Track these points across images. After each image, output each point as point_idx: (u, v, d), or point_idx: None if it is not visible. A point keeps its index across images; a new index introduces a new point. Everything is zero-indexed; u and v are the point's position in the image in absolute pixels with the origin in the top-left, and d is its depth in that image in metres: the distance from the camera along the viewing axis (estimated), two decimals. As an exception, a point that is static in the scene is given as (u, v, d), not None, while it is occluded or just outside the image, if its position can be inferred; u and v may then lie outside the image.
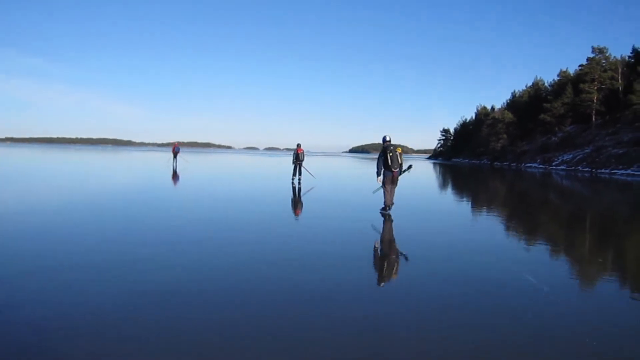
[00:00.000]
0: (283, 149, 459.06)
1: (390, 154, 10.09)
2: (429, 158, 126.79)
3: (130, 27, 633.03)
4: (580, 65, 60.17)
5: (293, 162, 19.04)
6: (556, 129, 60.72)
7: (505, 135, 72.20)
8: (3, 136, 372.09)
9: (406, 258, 6.62)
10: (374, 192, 11.52)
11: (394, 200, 10.47)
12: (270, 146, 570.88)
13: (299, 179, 18.86)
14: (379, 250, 7.24)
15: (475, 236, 8.66)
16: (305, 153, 19.28)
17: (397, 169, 10.19)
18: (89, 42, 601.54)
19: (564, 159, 51.07)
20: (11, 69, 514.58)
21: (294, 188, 17.08)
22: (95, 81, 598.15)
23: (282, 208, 11.99)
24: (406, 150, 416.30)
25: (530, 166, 55.55)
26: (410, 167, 10.80)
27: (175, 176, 22.56)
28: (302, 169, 19.18)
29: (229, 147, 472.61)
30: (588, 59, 58.74)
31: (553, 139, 58.86)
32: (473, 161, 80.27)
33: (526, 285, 5.17)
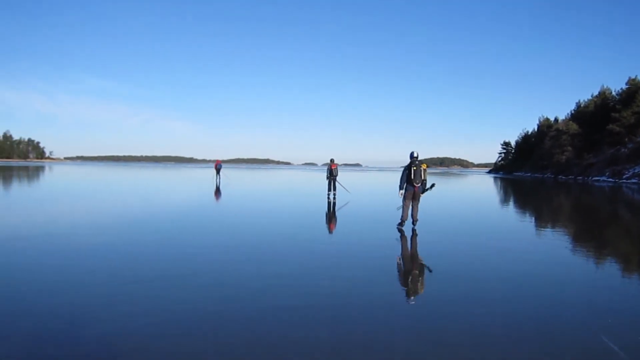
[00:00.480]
0: (342, 165, 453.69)
1: (414, 169, 10.18)
2: (489, 172, 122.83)
3: (191, 44, 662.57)
4: (652, 72, 56.49)
5: (327, 178, 19.44)
6: (626, 139, 57.13)
7: (570, 148, 68.82)
8: (74, 155, 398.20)
9: (430, 270, 6.74)
10: (398, 209, 11.36)
11: (419, 217, 10.47)
12: (326, 162, 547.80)
13: (334, 194, 19.16)
14: (401, 264, 7.35)
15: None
16: (338, 168, 19.72)
17: (419, 185, 10.25)
18: (150, 62, 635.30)
19: (636, 171, 47.82)
20: (81, 90, 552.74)
21: (329, 203, 17.32)
22: (156, 100, 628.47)
23: (317, 221, 12.58)
24: (466, 165, 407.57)
25: (598, 180, 52.39)
26: (433, 185, 10.71)
27: (217, 192, 23.05)
28: (337, 184, 19.51)
29: (287, 163, 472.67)
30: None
31: (623, 150, 55.34)
32: (536, 175, 76.91)
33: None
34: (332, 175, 19.24)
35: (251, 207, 16.14)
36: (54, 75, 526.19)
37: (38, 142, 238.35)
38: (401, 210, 10.58)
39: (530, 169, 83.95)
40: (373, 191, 28.16)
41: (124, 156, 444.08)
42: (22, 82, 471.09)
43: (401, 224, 10.46)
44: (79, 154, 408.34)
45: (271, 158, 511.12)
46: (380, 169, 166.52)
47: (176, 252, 7.58)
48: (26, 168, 71.56)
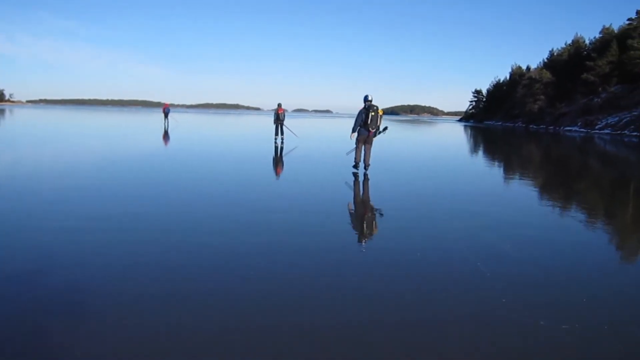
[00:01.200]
0: (311, 111, 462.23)
1: (372, 114, 10.15)
2: (460, 120, 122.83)
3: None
4: (629, 19, 55.79)
5: (275, 122, 19.41)
6: (600, 89, 56.70)
7: (542, 97, 68.46)
8: (37, 98, 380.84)
9: (381, 214, 6.93)
10: (347, 154, 11.62)
11: (370, 162, 10.54)
12: (299, 108, 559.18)
13: (282, 139, 19.39)
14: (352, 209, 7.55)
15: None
16: (285, 113, 19.76)
17: (374, 130, 10.26)
18: (116, 3, 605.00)
19: (609, 122, 47.66)
20: (43, 31, 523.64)
21: (276, 147, 17.68)
22: (124, 42, 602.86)
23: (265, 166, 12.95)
24: (436, 113, 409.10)
25: (570, 130, 52.37)
26: (386, 128, 10.83)
27: (165, 136, 24.05)
28: (285, 128, 19.62)
29: (257, 109, 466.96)
30: (638, 12, 54.21)
31: (596, 100, 55.03)
32: (507, 124, 76.90)
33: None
34: (279, 120, 19.30)
35: (193, 151, 16.58)
36: (12, 14, 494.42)
37: None
38: (353, 153, 10.69)
39: (502, 118, 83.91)
40: (327, 136, 28.13)
41: (89, 100, 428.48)
42: None
43: (355, 166, 10.61)
44: (43, 97, 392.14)
45: (241, 103, 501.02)
46: (351, 116, 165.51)
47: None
48: None
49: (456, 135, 40.48)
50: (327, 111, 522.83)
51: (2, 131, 27.53)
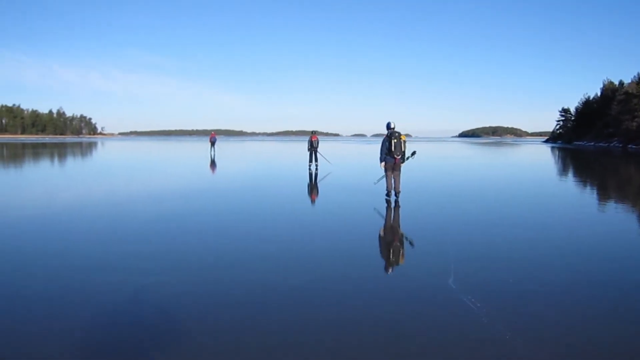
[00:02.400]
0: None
1: (395, 141, 10.21)
2: (546, 141, 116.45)
3: (240, 19, 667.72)
4: None
5: (308, 149, 20.04)
6: None
7: (641, 113, 63.42)
8: (128, 130, 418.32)
9: (411, 243, 6.86)
10: (375, 183, 12.00)
11: (401, 188, 10.64)
12: (378, 133, 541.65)
13: (316, 165, 19.97)
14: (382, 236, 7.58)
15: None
16: (319, 140, 20.48)
17: (399, 156, 10.30)
18: (199, 39, 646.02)
19: None
20: (133, 67, 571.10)
21: (310, 174, 18.15)
22: (207, 75, 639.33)
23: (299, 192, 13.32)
24: (519, 134, 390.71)
25: (674, 148, 47.71)
26: (414, 153, 10.90)
27: (212, 164, 25.56)
28: (318, 155, 20.17)
29: (336, 135, 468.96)
30: None
31: None
32: (600, 144, 71.90)
33: None
34: (312, 147, 19.98)
35: (238, 179, 17.55)
36: (106, 53, 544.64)
37: (90, 118, 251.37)
38: (383, 181, 10.93)
39: (593, 138, 78.70)
40: (362, 162, 28.26)
41: (176, 130, 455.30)
42: (78, 59, 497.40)
43: (388, 194, 10.75)
44: (133, 129, 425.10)
45: (319, 130, 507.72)
46: (429, 140, 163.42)
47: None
48: (79, 144, 74.68)
49: (545, 158, 38.61)
50: (408, 135, 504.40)
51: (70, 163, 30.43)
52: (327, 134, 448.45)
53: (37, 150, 43.32)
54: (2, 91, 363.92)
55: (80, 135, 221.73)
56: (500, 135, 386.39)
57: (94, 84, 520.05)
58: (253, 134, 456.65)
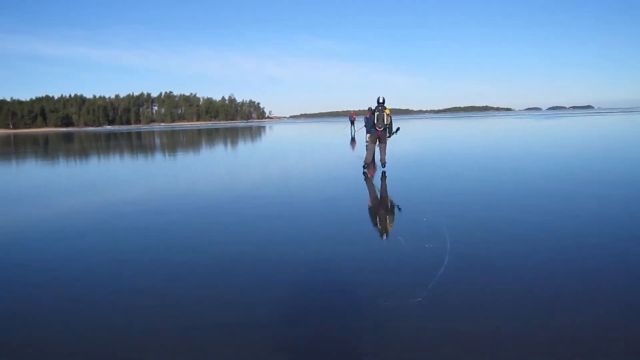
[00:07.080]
0: (569, 108, 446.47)
1: (377, 113, 10.50)
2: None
3: None
4: None
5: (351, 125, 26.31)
6: None
7: None
8: (298, 113, 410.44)
9: (399, 208, 7.10)
10: (342, 130, 12.86)
11: (387, 159, 10.94)
12: (556, 105, 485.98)
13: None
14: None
15: None
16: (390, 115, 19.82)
17: (382, 129, 10.54)
18: (366, 19, 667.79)
19: None
20: (304, 52, 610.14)
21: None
22: (374, 56, 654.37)
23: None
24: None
25: None
26: (398, 129, 10.96)
27: (352, 142, 25.05)
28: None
29: (508, 109, 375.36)
30: None
31: None
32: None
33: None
34: (351, 123, 24.40)
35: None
36: (281, 40, 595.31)
37: (258, 103, 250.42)
38: (348, 135, 10.01)
39: None
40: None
41: (343, 111, 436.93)
42: (254, 49, 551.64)
43: (364, 166, 11.15)
44: (303, 112, 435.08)
45: (490, 105, 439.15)
46: (618, 110, 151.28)
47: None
48: (249, 128, 76.97)
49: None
50: (589, 107, 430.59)
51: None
52: (497, 109, 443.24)
53: (211, 136, 46.32)
54: (184, 82, 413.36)
55: (250, 120, 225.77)
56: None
57: (268, 71, 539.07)
58: (420, 111, 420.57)
